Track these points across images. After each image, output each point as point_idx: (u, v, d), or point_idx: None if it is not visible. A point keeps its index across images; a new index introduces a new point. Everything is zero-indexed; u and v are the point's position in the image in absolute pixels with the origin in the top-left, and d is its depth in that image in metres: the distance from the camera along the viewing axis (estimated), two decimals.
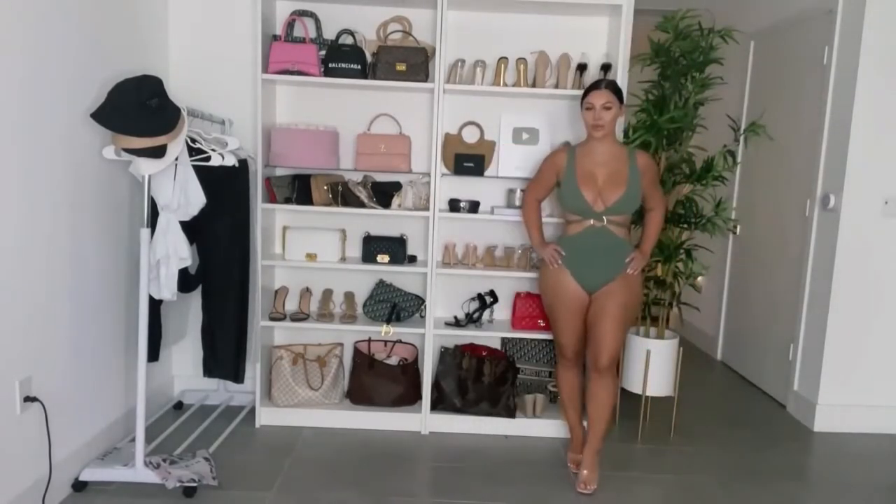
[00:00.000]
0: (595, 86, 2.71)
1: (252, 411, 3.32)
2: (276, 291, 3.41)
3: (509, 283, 3.47)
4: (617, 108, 2.69)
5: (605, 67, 3.21)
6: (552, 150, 3.13)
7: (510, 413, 3.29)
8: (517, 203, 3.25)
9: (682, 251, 3.32)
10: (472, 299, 3.48)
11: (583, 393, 2.94)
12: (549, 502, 2.68)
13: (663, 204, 2.91)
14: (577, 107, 3.24)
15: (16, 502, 2.26)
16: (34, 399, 2.32)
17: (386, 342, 3.43)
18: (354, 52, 3.10)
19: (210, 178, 2.80)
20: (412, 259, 3.38)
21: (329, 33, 3.28)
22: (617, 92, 2.70)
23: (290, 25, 3.21)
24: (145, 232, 2.59)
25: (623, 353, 3.37)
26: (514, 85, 3.25)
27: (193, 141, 2.74)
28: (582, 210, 2.73)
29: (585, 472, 2.76)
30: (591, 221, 2.73)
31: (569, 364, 2.91)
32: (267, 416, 3.27)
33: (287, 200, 3.24)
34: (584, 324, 2.81)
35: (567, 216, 2.82)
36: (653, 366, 3.30)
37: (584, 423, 2.97)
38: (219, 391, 3.49)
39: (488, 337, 3.46)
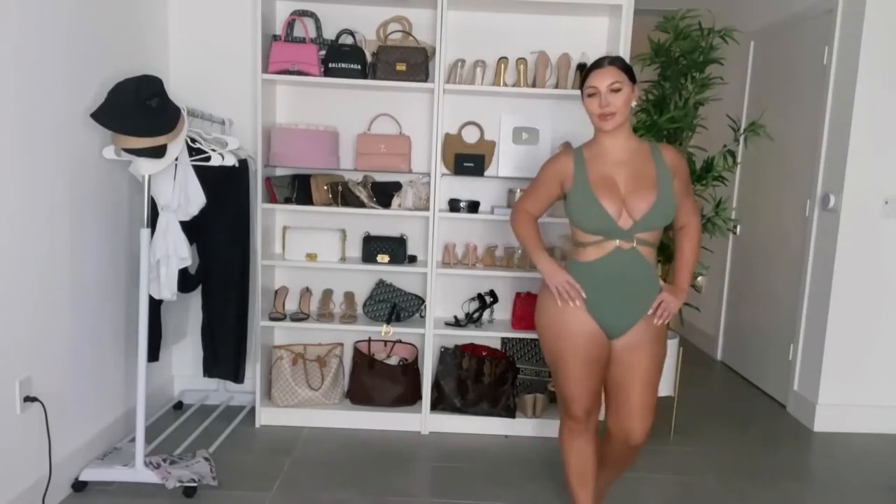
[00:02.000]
0: (597, 64, 2.07)
1: (252, 411, 3.32)
2: (276, 291, 3.40)
3: (509, 283, 3.46)
4: (629, 90, 2.05)
5: None
6: (552, 154, 2.56)
7: (510, 413, 3.29)
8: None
9: None
10: (472, 299, 3.48)
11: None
12: (548, 503, 2.69)
13: (698, 214, 2.25)
14: (577, 107, 3.05)
15: (16, 502, 2.26)
16: (34, 399, 2.31)
17: (386, 342, 3.43)
18: (354, 52, 3.10)
19: (210, 178, 2.80)
20: (412, 259, 3.37)
21: (329, 33, 3.28)
22: (626, 69, 2.07)
23: (290, 25, 3.21)
24: (145, 232, 2.59)
25: None
26: (514, 85, 3.25)
27: (193, 141, 2.74)
28: (605, 229, 2.04)
29: None
30: (617, 243, 2.05)
31: (579, 428, 2.21)
32: (267, 416, 3.27)
33: (287, 200, 3.24)
34: (603, 375, 2.17)
35: (579, 237, 2.12)
36: None
37: None
38: (219, 391, 3.49)
39: (488, 337, 3.45)
